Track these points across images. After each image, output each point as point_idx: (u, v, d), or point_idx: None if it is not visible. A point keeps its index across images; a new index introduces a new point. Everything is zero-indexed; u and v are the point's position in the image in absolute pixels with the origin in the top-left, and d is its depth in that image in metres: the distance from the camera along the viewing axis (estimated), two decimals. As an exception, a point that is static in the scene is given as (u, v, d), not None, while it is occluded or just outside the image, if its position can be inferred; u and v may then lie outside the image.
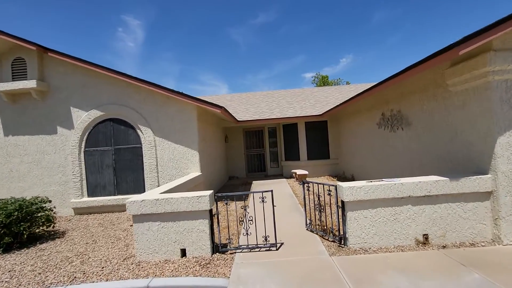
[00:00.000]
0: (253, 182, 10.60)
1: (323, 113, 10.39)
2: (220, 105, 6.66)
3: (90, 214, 7.10)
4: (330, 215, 4.77)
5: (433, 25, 61.11)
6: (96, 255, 4.20)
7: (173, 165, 7.10)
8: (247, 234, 3.87)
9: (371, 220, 3.70)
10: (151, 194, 4.07)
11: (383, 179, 3.87)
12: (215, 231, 3.94)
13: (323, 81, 33.30)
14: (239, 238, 4.32)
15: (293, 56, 69.37)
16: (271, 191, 3.90)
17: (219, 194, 3.97)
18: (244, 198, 7.54)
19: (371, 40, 63.70)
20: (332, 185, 3.98)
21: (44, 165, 7.24)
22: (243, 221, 4.00)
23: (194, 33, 77.59)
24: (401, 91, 5.73)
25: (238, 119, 10.67)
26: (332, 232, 4.06)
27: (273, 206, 3.91)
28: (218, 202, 4.12)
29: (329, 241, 4.08)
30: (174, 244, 3.77)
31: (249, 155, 12.67)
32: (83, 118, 7.15)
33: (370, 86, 6.17)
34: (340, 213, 3.90)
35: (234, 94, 15.61)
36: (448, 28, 58.38)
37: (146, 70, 78.92)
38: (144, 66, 79.26)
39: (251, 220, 3.90)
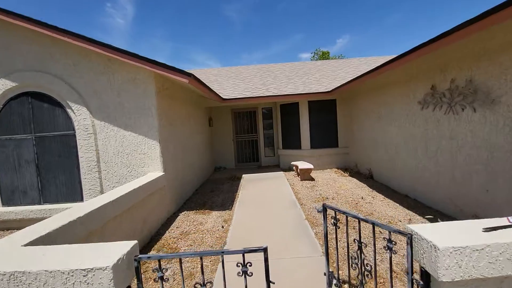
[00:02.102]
0: (243, 176, 8.48)
1: (331, 90, 8.12)
2: (189, 72, 4.34)
3: (7, 230, 4.95)
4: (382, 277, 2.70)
5: (433, 7, 57.57)
6: None
7: (122, 162, 4.88)
8: None
9: (496, 321, 1.60)
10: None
11: (513, 220, 1.73)
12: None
13: (324, 58, 30.56)
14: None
15: (290, 35, 66.32)
16: (264, 250, 1.69)
17: (142, 256, 1.74)
18: (227, 206, 5.42)
19: (369, 19, 60.22)
20: (400, 233, 1.80)
21: None
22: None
23: (187, 8, 72.97)
24: (478, 48, 3.50)
25: (224, 97, 8.35)
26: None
27: (270, 282, 1.73)
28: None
29: (382, 337, 2.00)
30: None
31: (239, 142, 10.47)
32: (-14, 91, 4.79)
33: (412, 48, 3.94)
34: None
35: (221, 68, 13.10)
36: (450, 9, 54.98)
37: (137, 47, 75.01)
38: (134, 44, 75.33)
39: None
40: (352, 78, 6.69)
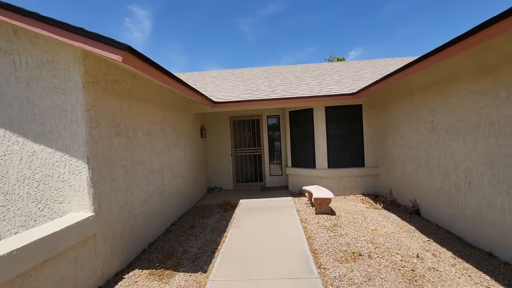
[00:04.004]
0: (240, 202, 6.52)
1: (358, 92, 6.17)
2: (122, 43, 2.51)
3: None
4: None
5: (444, 17, 55.49)
6: None
7: (30, 193, 3.05)
8: None
9: None
10: None
11: None
12: None
13: (338, 66, 28.62)
14: None
15: (301, 48, 65.82)
16: None
17: None
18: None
19: (382, 32, 58.59)
20: None
21: None
22: None
23: (202, 23, 74.84)
24: None
25: (216, 100, 6.52)
26: None
27: None
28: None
29: None
30: None
31: (238, 157, 8.57)
32: None
33: None
34: None
35: (222, 70, 11.36)
36: (458, 18, 52.61)
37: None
38: (150, 57, 78.51)
39: None
40: (391, 72, 4.73)
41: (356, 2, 54.50)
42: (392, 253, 3.50)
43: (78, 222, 2.70)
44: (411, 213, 5.02)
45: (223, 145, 8.41)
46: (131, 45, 2.47)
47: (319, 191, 5.44)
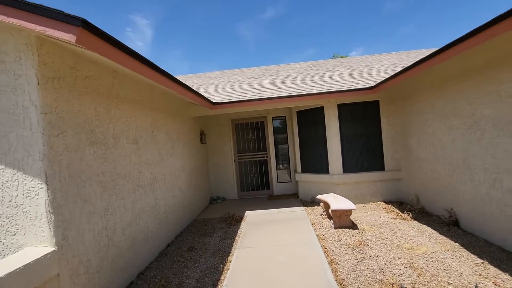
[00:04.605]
0: (246, 215, 5.80)
1: (376, 86, 5.45)
2: (76, 16, 1.83)
3: None
4: None
5: (446, 15, 54.65)
6: None
7: (-27, 224, 2.36)
8: None
9: None
10: None
11: None
12: None
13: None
14: None
15: (302, 50, 65.69)
16: None
17: None
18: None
19: (382, 31, 58.05)
20: None
21: None
22: None
23: (202, 30, 75.59)
24: None
25: (215, 101, 5.83)
26: None
27: None
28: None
29: None
30: None
31: (242, 163, 7.85)
32: None
33: None
34: None
35: (222, 71, 10.71)
36: (462, 18, 51.72)
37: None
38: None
39: None
40: (420, 59, 3.99)
41: (355, 2, 54.02)
42: (442, 283, 2.74)
43: (29, 263, 2.00)
44: (448, 225, 4.25)
45: (225, 150, 7.70)
46: (87, 19, 1.78)
47: (337, 202, 4.69)
